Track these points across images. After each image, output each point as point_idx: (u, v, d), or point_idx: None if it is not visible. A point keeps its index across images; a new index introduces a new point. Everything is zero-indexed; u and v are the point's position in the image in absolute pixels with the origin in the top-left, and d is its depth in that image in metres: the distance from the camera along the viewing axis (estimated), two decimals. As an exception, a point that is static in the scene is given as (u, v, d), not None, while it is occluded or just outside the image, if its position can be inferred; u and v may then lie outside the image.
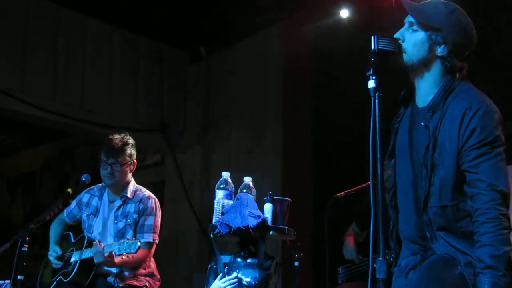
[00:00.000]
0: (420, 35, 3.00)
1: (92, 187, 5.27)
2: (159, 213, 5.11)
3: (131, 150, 5.08)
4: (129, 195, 5.05)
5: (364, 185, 4.81)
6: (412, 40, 3.00)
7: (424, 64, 3.01)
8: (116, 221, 5.01)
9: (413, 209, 2.95)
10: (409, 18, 3.04)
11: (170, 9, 7.81)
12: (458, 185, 2.83)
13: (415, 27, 3.01)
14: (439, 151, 2.86)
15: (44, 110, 7.73)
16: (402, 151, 3.06)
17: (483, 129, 2.80)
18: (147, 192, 5.14)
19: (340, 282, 5.26)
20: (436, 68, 3.02)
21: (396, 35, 3.02)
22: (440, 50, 3.00)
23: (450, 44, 2.99)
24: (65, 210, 5.35)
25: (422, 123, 2.95)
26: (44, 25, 7.88)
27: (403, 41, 3.00)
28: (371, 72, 2.81)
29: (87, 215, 5.17)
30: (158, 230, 5.05)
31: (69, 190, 4.95)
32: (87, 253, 4.83)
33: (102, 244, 4.69)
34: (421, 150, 2.92)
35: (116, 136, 5.08)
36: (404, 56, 2.99)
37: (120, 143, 5.02)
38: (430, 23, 2.99)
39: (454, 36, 3.00)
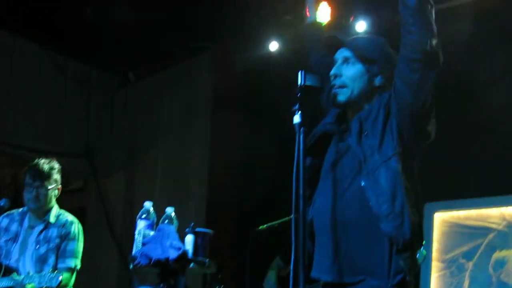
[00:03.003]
0: (358, 67, 3.06)
1: (12, 211, 5.13)
2: (81, 238, 5.03)
3: (57, 175, 5.01)
4: (51, 219, 4.96)
5: (287, 218, 4.82)
6: (350, 73, 3.05)
7: (365, 96, 3.06)
8: (37, 246, 4.90)
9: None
10: (343, 53, 3.09)
11: (100, 33, 7.75)
12: None
13: (351, 61, 3.07)
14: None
15: (-34, 131, 7.57)
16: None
17: None
18: (70, 217, 5.06)
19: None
20: (374, 98, 3.07)
21: (332, 72, 3.06)
22: (377, 81, 3.07)
23: (385, 75, 3.07)
24: (-19, 235, 5.20)
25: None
26: (-33, 43, 7.74)
27: (340, 76, 3.04)
28: (296, 107, 2.82)
29: (6, 241, 5.03)
30: (80, 255, 4.97)
31: (-14, 214, 4.84)
32: (3, 282, 4.69)
33: (22, 276, 4.58)
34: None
35: (43, 160, 5.00)
36: (345, 91, 3.03)
37: (47, 167, 4.94)
38: (367, 55, 3.06)
39: (388, 67, 3.08)
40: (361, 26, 6.46)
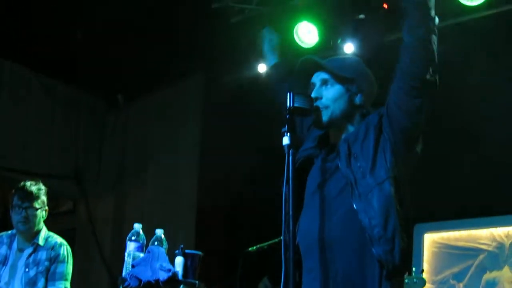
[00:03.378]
0: (338, 88, 3.07)
1: (1, 234, 5.12)
2: (71, 260, 5.00)
3: (44, 197, 4.99)
4: (40, 242, 4.93)
5: (276, 240, 4.82)
6: (330, 95, 3.06)
7: (346, 116, 3.07)
8: (27, 269, 4.87)
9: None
10: (321, 76, 3.10)
11: (89, 56, 7.76)
12: None
13: (330, 82, 3.08)
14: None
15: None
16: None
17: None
18: (59, 239, 5.04)
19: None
20: (356, 118, 3.09)
21: (312, 95, 3.05)
22: (357, 100, 3.08)
23: (364, 93, 3.09)
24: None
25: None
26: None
27: (321, 99, 3.04)
28: (285, 128, 2.82)
29: (-5, 264, 5.02)
30: (69, 277, 4.95)
31: (-26, 237, 4.82)
32: None
33: None
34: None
35: (30, 182, 4.99)
36: (326, 112, 3.03)
37: (34, 188, 4.93)
38: (345, 75, 3.07)
39: (366, 85, 3.12)
40: (348, 48, 6.49)
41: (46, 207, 5.03)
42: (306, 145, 3.20)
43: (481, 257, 6.10)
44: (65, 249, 4.98)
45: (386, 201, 2.81)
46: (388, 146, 2.91)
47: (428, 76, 2.81)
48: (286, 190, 2.76)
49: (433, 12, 2.82)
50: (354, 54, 6.39)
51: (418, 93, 2.83)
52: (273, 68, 3.81)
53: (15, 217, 4.91)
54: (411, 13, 2.80)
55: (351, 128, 3.08)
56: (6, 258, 4.99)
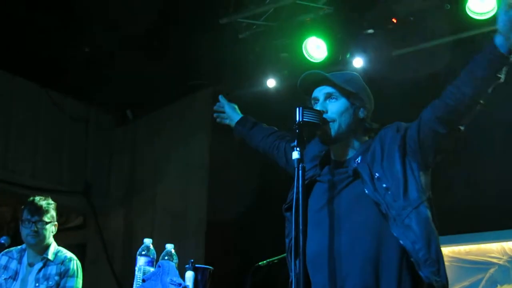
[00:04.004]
0: (343, 102, 3.09)
1: (11, 249, 5.12)
2: (80, 274, 5.01)
3: (53, 212, 5.02)
4: (50, 257, 4.94)
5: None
6: (336, 108, 3.08)
7: (352, 130, 3.10)
8: (37, 284, 4.88)
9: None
10: (325, 90, 3.12)
11: (98, 71, 7.79)
12: None
13: (335, 96, 3.10)
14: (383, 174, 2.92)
15: (-35, 169, 7.58)
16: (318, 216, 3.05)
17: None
18: (69, 254, 5.04)
19: None
20: (359, 131, 3.13)
21: (318, 108, 3.07)
22: (361, 114, 3.12)
23: (366, 107, 3.13)
24: (-20, 273, 5.18)
25: (349, 172, 3.02)
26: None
27: (327, 113, 3.05)
28: (295, 143, 2.82)
29: (5, 279, 5.01)
30: (79, 292, 4.96)
31: (-13, 252, 4.84)
32: None
33: None
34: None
35: (39, 197, 5.02)
36: (334, 125, 3.05)
37: (44, 203, 4.96)
38: (350, 89, 3.09)
39: (367, 99, 3.16)
40: (357, 62, 6.49)
41: (56, 222, 5.06)
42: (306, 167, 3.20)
43: (491, 270, 6.08)
44: (75, 264, 4.99)
45: (426, 224, 2.85)
46: (415, 166, 2.94)
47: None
48: (296, 204, 2.76)
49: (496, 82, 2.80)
50: (363, 68, 6.40)
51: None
52: (240, 123, 3.92)
53: (25, 231, 4.93)
54: (480, 69, 2.77)
55: (356, 143, 3.12)
56: (16, 273, 5.01)
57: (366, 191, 2.92)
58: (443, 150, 2.98)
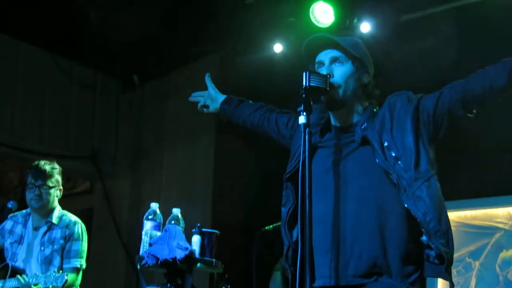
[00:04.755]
0: (348, 67, 3.09)
1: (15, 213, 5.14)
2: (85, 238, 5.03)
3: (58, 176, 5.03)
4: (54, 220, 4.97)
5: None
6: (341, 73, 3.07)
7: (356, 94, 3.10)
8: (42, 248, 4.91)
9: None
10: (332, 54, 3.11)
11: (104, 36, 7.77)
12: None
13: (341, 60, 3.09)
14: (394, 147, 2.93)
15: (-27, 134, 7.60)
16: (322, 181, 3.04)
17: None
18: (73, 217, 5.07)
19: (267, 316, 5.26)
20: (363, 97, 3.13)
21: (323, 72, 3.06)
22: (365, 79, 3.12)
23: (369, 72, 3.15)
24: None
25: (357, 139, 3.02)
26: (-26, 48, 7.77)
27: (332, 77, 3.04)
28: (301, 108, 2.82)
29: (11, 243, 5.04)
30: (85, 255, 4.98)
31: (-6, 217, 4.86)
32: (11, 283, 4.71)
33: (27, 278, 4.59)
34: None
35: (44, 161, 5.04)
36: (339, 90, 3.04)
37: (48, 167, 4.97)
38: (355, 54, 3.10)
39: (370, 65, 3.17)
40: (365, 27, 6.46)
41: (61, 187, 5.07)
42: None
43: (497, 235, 6.09)
44: (80, 227, 5.02)
45: (436, 196, 2.88)
46: (426, 139, 2.96)
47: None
48: (302, 167, 2.76)
49: None
50: (370, 33, 6.37)
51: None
52: (225, 102, 3.86)
53: (29, 195, 4.95)
54: None
55: (359, 108, 3.12)
56: (21, 237, 5.04)
57: (377, 161, 2.93)
58: (453, 128, 3.01)
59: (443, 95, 2.95)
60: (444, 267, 2.85)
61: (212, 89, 3.95)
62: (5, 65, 7.97)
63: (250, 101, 3.80)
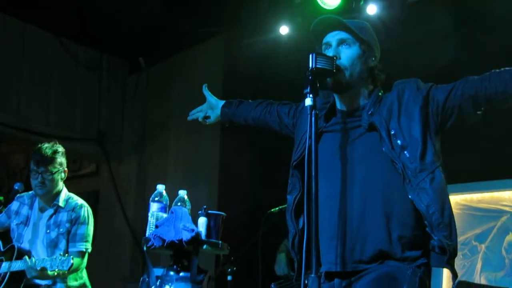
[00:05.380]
0: (355, 49, 3.07)
1: (22, 194, 5.13)
2: (91, 221, 5.01)
3: (61, 159, 4.97)
4: (60, 203, 4.95)
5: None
6: (348, 55, 3.05)
7: (362, 77, 3.08)
8: (48, 231, 4.91)
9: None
10: (339, 36, 3.09)
11: (111, 18, 7.76)
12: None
13: (348, 42, 3.07)
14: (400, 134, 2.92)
15: (-21, 116, 7.61)
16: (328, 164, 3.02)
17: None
18: (80, 200, 5.05)
19: (272, 298, 5.27)
20: (369, 80, 3.12)
21: (330, 54, 3.04)
22: (371, 62, 3.11)
23: (376, 55, 3.14)
24: (-7, 217, 5.23)
25: (364, 125, 3.01)
26: (-19, 30, 7.77)
27: (339, 59, 3.03)
28: (308, 90, 2.80)
29: (17, 224, 5.04)
30: (90, 239, 4.96)
31: (1, 198, 4.85)
32: (17, 265, 4.72)
33: (34, 260, 4.60)
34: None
35: (46, 144, 4.97)
36: (345, 73, 3.02)
37: (50, 151, 4.90)
38: (363, 36, 3.08)
39: (376, 48, 3.16)
40: (371, 9, 6.43)
41: (65, 168, 5.01)
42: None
43: (503, 218, 6.09)
44: (86, 211, 5.00)
45: (440, 189, 2.86)
46: (433, 129, 2.95)
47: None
48: (308, 150, 2.76)
49: None
50: (377, 15, 6.34)
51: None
52: (226, 105, 3.87)
53: (33, 181, 4.92)
54: None
55: (365, 92, 3.11)
56: (27, 219, 5.03)
57: (384, 149, 2.92)
58: (461, 123, 3.00)
59: (455, 89, 2.93)
60: (446, 259, 2.85)
61: (211, 97, 3.97)
62: (12, 48, 7.98)
63: (250, 100, 3.79)
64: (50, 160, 4.89)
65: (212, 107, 3.95)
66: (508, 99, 2.85)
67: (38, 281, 4.79)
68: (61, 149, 5.01)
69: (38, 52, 8.25)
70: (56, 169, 4.92)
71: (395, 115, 2.95)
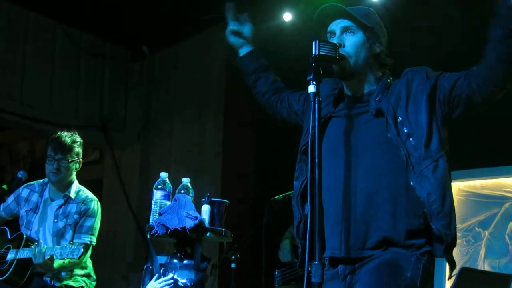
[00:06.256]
0: (359, 36, 3.07)
1: (32, 182, 5.17)
2: (99, 216, 5.04)
3: (79, 149, 5.02)
4: (71, 195, 4.97)
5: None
6: (352, 42, 3.06)
7: (367, 64, 3.08)
8: (56, 220, 4.92)
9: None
10: (342, 23, 3.09)
11: (114, 5, 7.74)
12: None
13: (352, 30, 3.07)
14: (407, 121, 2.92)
15: (-18, 103, 7.61)
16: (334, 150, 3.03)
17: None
18: (90, 194, 5.08)
19: (276, 285, 5.28)
20: (375, 66, 3.12)
21: (334, 41, 3.03)
22: (377, 48, 3.10)
23: (382, 41, 3.13)
24: (1, 205, 5.22)
25: (371, 111, 3.01)
26: (-16, 18, 7.75)
27: (343, 46, 3.03)
28: (311, 76, 2.80)
29: (26, 211, 5.06)
30: (96, 232, 4.98)
31: (5, 186, 4.86)
32: (24, 253, 4.72)
33: (44, 246, 4.61)
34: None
35: (65, 133, 5.01)
36: (350, 60, 3.02)
37: (69, 140, 4.95)
38: (367, 23, 3.08)
39: (382, 34, 3.15)
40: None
41: (80, 159, 5.06)
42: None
43: (506, 205, 6.08)
44: (95, 204, 5.03)
45: (443, 177, 2.85)
46: (440, 118, 2.94)
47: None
48: (312, 137, 2.75)
49: None
50: (381, 1, 6.31)
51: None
52: (249, 55, 3.90)
53: (48, 167, 4.95)
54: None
55: (372, 78, 3.11)
56: (37, 206, 5.05)
57: (389, 135, 2.92)
58: (470, 112, 2.98)
59: (462, 78, 2.92)
60: (444, 248, 2.85)
61: (248, 28, 3.96)
62: (15, 35, 7.96)
63: (271, 76, 3.77)
64: (69, 148, 4.94)
65: (246, 36, 3.96)
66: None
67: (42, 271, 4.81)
68: (79, 139, 5.05)
69: (41, 40, 8.24)
70: (73, 158, 4.96)
71: (403, 103, 2.95)
